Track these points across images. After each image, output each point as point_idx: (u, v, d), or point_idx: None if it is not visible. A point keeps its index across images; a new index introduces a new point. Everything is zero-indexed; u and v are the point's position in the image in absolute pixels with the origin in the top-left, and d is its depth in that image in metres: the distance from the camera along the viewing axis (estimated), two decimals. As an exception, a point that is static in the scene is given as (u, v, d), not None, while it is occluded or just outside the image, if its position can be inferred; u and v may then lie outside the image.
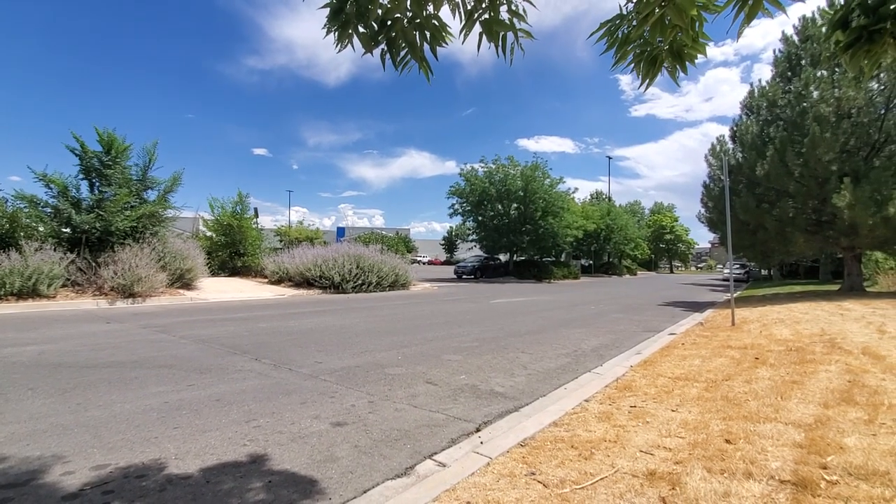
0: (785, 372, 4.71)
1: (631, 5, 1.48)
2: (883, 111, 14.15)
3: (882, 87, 14.23)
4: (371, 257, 17.06)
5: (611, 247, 44.02)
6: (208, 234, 20.06)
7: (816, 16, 15.75)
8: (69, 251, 11.71)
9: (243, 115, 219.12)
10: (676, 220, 69.94)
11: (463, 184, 31.57)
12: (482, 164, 31.96)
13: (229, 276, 18.98)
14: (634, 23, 1.45)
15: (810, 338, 6.79)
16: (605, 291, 21.36)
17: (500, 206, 31.22)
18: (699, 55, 1.55)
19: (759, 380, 4.41)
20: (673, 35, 1.47)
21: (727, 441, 2.86)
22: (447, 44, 1.54)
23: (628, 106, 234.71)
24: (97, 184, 12.84)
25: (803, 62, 15.67)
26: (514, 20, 1.52)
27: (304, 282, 16.23)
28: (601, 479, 2.42)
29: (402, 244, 30.45)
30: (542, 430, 3.24)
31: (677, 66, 1.60)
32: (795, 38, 16.43)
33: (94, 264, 11.76)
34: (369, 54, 1.55)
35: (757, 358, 5.47)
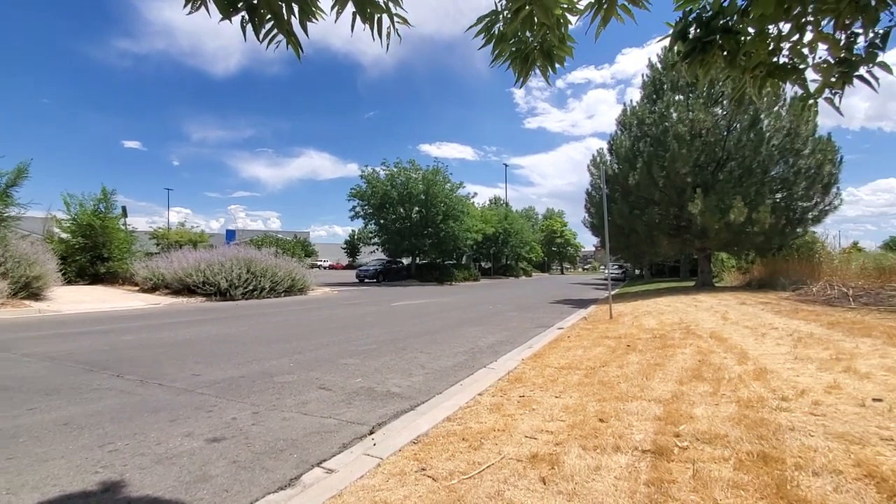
0: (650, 356, 5.30)
1: (504, 1, 1.54)
2: (725, 133, 16.77)
3: (724, 113, 16.87)
4: (264, 261, 15.98)
5: (508, 250, 46.38)
6: (63, 235, 17.24)
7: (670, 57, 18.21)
8: None
9: (112, 102, 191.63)
10: (565, 226, 75.92)
11: (364, 186, 31.12)
12: (384, 167, 31.81)
13: (90, 283, 16.54)
14: (509, 16, 1.51)
15: (671, 326, 7.75)
16: (503, 292, 22.42)
17: (402, 210, 31.27)
18: (566, 56, 1.66)
19: (630, 364, 4.91)
20: (542, 33, 1.55)
21: (601, 420, 3.12)
22: (317, 20, 1.45)
23: (522, 118, 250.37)
24: None
25: (665, 87, 18.00)
26: (390, 4, 1.49)
27: (184, 289, 14.66)
28: (488, 466, 2.48)
29: (301, 248, 29.05)
30: (435, 427, 3.25)
31: (548, 66, 1.69)
32: (659, 65, 18.81)
33: None
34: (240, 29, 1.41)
35: (629, 346, 6.09)
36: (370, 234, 33.71)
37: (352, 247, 69.68)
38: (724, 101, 16.67)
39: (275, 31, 1.42)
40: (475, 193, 36.67)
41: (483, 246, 42.11)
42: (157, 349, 6.44)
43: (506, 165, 66.49)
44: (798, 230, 17.58)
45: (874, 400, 3.28)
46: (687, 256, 31.00)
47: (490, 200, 61.80)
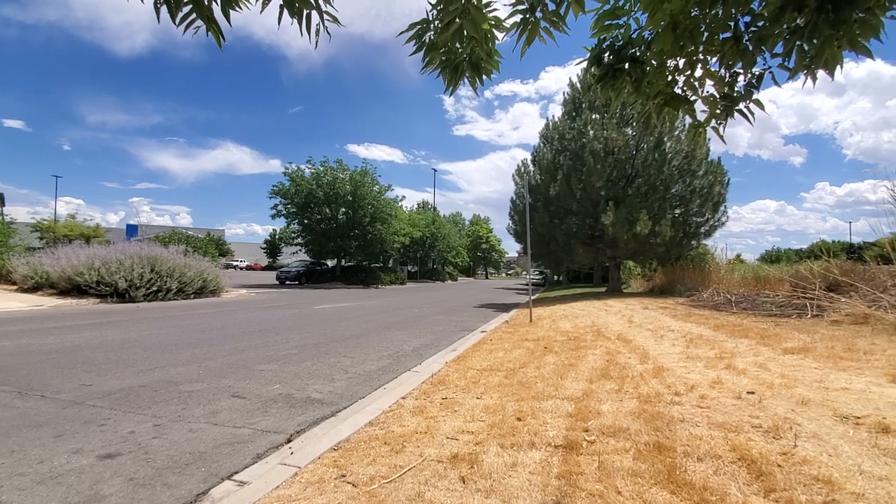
0: (565, 357, 5.63)
1: (435, 12, 1.58)
2: (635, 152, 18.31)
3: (634, 133, 18.42)
4: (171, 260, 14.71)
5: (435, 254, 46.86)
6: (-84, 225, 14.64)
7: (587, 78, 19.64)
8: None
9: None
10: (491, 232, 78.27)
11: (288, 184, 29.85)
12: (309, 165, 30.75)
13: (-48, 282, 14.19)
14: (440, 26, 1.55)
15: (584, 329, 8.28)
16: (429, 296, 22.57)
17: (327, 210, 30.41)
18: (493, 70, 1.75)
19: (547, 365, 5.17)
20: (471, 46, 1.62)
21: (518, 419, 3.26)
22: (241, 8, 1.39)
23: (452, 125, 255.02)
24: None
25: (584, 105, 19.28)
26: (320, 1, 1.46)
27: (74, 289, 13.07)
28: (409, 469, 2.50)
29: (214, 246, 27.09)
30: (357, 432, 3.20)
31: (476, 78, 1.77)
32: (578, 85, 20.11)
33: None
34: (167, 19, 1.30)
35: (546, 347, 6.42)
36: (293, 234, 32.36)
37: (272, 247, 66.43)
38: (634, 123, 18.23)
39: (194, 15, 1.34)
40: (403, 197, 36.56)
41: (410, 249, 42.16)
42: (39, 356, 5.69)
43: (434, 170, 67.41)
44: (693, 242, 19.62)
45: (748, 393, 3.75)
46: (600, 264, 33.31)
47: (418, 204, 62.15)
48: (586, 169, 17.18)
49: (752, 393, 3.73)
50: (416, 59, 1.75)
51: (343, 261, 33.12)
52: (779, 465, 2.39)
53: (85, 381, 4.58)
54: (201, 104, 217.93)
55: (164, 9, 1.30)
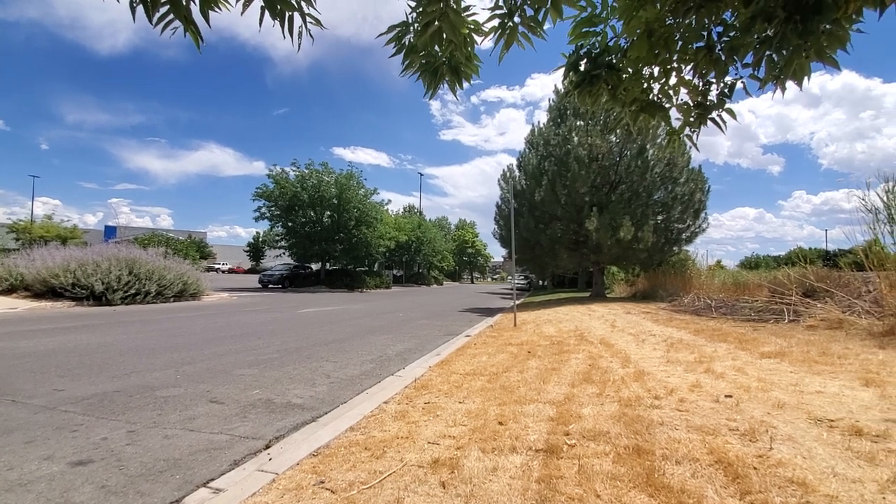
0: (548, 361, 5.65)
1: (415, 14, 1.59)
2: (618, 159, 18.58)
3: (618, 140, 18.70)
4: (151, 262, 14.42)
5: (421, 258, 46.77)
6: None
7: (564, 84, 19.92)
8: None
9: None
10: (476, 236, 78.45)
11: (272, 186, 29.52)
12: (294, 168, 30.49)
13: (-81, 284, 13.66)
14: (419, 29, 1.56)
15: (568, 333, 8.34)
16: (414, 300, 22.50)
17: (312, 213, 30.15)
18: (473, 74, 1.76)
19: (529, 369, 5.19)
20: (450, 49, 1.63)
21: (500, 423, 3.26)
22: (220, 9, 1.37)
23: (438, 129, 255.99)
24: None
25: (569, 112, 19.51)
26: (302, 3, 1.46)
27: (49, 291, 12.71)
28: (389, 474, 2.47)
29: (195, 249, 26.65)
30: (337, 437, 3.16)
31: (455, 82, 1.77)
32: (563, 91, 20.37)
33: None
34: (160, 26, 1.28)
35: (529, 352, 6.44)
36: (277, 237, 31.98)
37: (255, 250, 65.47)
38: (618, 130, 18.52)
39: (171, 16, 1.32)
40: (389, 200, 36.46)
41: (396, 253, 42.01)
42: (10, 360, 5.51)
43: (421, 174, 67.79)
44: (674, 248, 19.96)
45: (726, 396, 3.81)
46: (584, 269, 33.67)
47: (404, 208, 62.00)
48: (571, 175, 17.37)
49: (730, 396, 3.80)
50: (401, 63, 1.75)
51: (328, 264, 32.86)
52: (755, 468, 2.43)
53: (58, 386, 4.45)
54: (184, 105, 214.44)
55: (140, 9, 1.27)
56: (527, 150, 21.12)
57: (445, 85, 1.77)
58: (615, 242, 17.02)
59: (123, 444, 3.11)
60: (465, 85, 1.76)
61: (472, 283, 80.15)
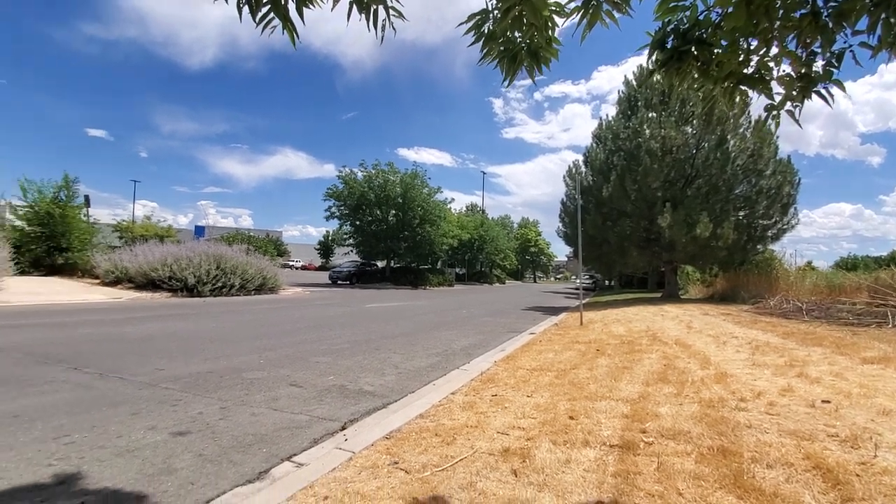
0: (619, 360, 5.45)
1: (494, 1, 1.60)
2: (694, 151, 17.43)
3: (694, 132, 17.55)
4: (234, 258, 15.61)
5: (483, 256, 46.69)
6: (17, 223, 16.36)
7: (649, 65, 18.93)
8: None
9: (76, 88, 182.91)
10: (539, 235, 77.00)
11: (341, 187, 30.79)
12: (362, 169, 31.55)
13: (46, 275, 15.76)
14: (499, 15, 1.57)
15: (639, 333, 7.98)
16: (477, 297, 22.54)
17: (378, 212, 31.09)
18: (552, 58, 1.74)
19: (599, 367, 5.03)
20: (530, 34, 1.62)
21: (571, 417, 3.20)
22: (313, 6, 1.48)
23: (500, 128, 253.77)
24: None
25: (640, 104, 18.60)
26: (386, -4, 1.52)
27: (149, 284, 14.16)
28: (461, 460, 2.51)
29: (272, 246, 28.46)
30: (408, 423, 3.26)
31: (534, 67, 1.76)
32: (634, 82, 19.45)
33: None
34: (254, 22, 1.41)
35: (598, 350, 6.24)
36: (345, 236, 33.35)
37: (325, 248, 68.78)
38: (694, 121, 17.37)
39: (271, 15, 1.44)
40: (452, 199, 36.72)
41: (458, 252, 42.26)
42: (117, 343, 6.22)
43: (483, 173, 67.12)
44: (758, 247, 18.40)
45: (823, 401, 3.48)
46: (655, 268, 31.97)
47: (467, 207, 62.09)
48: (642, 169, 16.55)
49: (828, 402, 3.46)
50: (466, 63, 1.81)
51: (392, 262, 33.75)
52: (857, 475, 2.21)
53: (158, 366, 4.96)
54: (263, 113, 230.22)
55: (246, 9, 1.40)
56: (594, 145, 20.41)
57: (522, 72, 1.77)
58: (691, 240, 15.99)
59: (217, 418, 3.41)
60: (545, 70, 1.75)
61: (535, 282, 78.82)
